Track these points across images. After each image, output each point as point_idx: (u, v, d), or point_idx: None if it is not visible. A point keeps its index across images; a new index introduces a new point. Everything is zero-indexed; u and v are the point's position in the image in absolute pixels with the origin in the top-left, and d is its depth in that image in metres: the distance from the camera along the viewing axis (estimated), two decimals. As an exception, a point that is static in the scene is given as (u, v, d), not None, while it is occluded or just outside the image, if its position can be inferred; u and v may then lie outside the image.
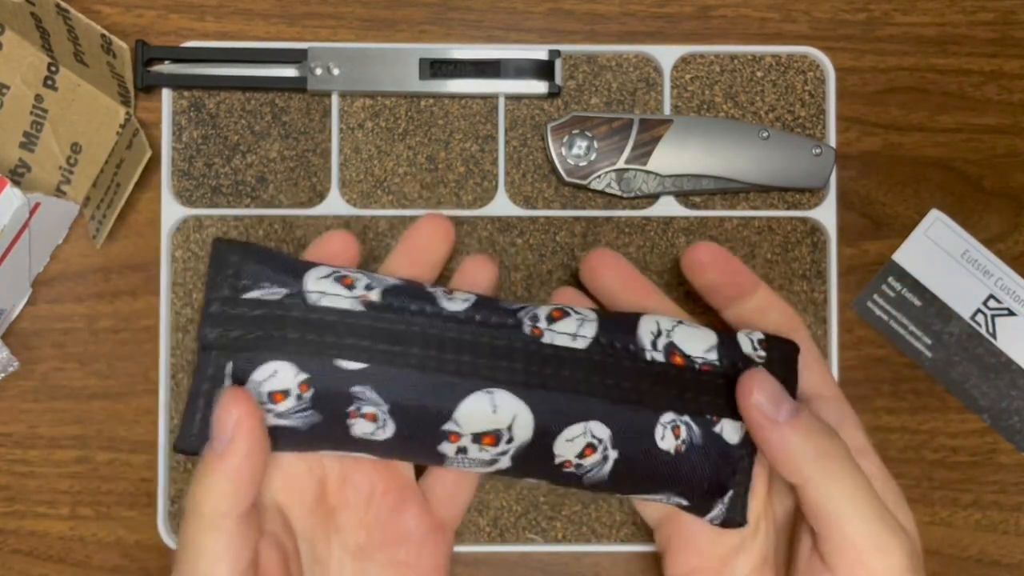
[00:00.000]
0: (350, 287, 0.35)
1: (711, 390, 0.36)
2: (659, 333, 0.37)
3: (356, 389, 0.34)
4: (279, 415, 0.35)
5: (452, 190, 0.47)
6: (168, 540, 0.46)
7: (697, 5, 0.48)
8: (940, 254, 0.48)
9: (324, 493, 0.38)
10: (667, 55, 0.47)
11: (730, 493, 0.37)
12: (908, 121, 0.48)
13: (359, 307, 0.35)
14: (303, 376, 0.34)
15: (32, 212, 0.43)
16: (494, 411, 0.35)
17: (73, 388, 0.47)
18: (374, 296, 0.35)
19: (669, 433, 0.35)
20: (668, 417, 0.35)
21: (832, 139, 0.48)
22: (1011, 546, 0.48)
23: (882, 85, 0.48)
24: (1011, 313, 0.48)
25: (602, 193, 0.47)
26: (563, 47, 0.47)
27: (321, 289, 0.35)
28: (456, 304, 0.36)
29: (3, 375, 0.46)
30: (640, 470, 0.36)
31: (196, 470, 0.33)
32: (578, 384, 0.35)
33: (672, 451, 0.36)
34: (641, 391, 0.35)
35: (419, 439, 0.35)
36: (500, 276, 0.47)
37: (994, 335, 0.48)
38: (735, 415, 0.36)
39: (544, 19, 0.48)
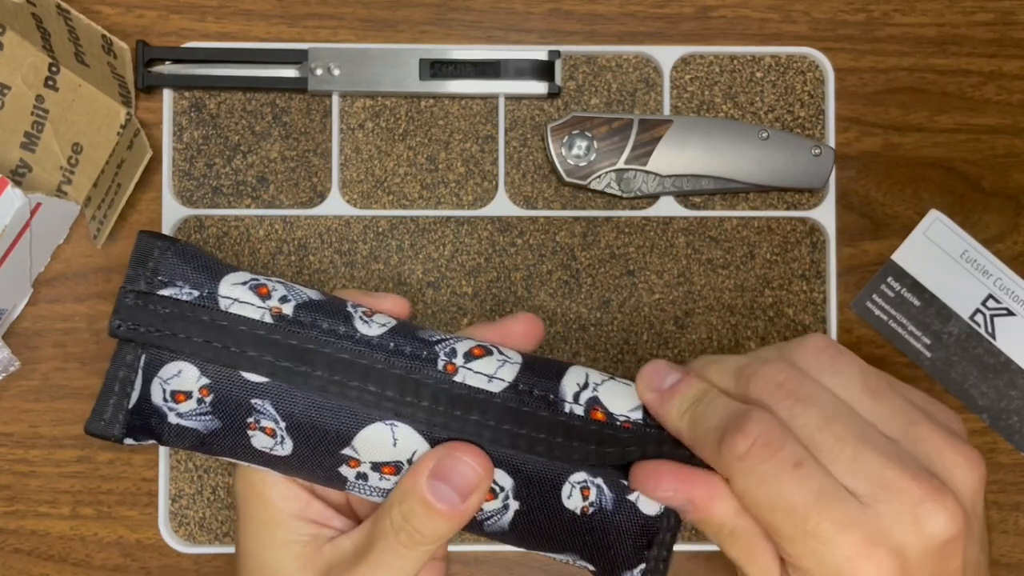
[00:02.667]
0: (264, 297, 0.35)
1: (631, 451, 0.33)
2: (585, 386, 0.34)
3: (255, 402, 0.34)
4: (180, 415, 0.34)
5: (452, 190, 0.47)
6: (168, 539, 0.46)
7: (697, 6, 0.48)
8: (939, 254, 0.48)
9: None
10: (667, 55, 0.48)
11: (642, 567, 0.34)
12: (907, 121, 0.48)
13: (268, 319, 0.34)
14: (205, 380, 0.34)
15: (33, 212, 0.43)
16: (394, 444, 0.33)
17: (74, 388, 0.47)
18: (287, 309, 0.34)
19: (577, 493, 0.33)
20: (579, 476, 0.33)
21: (831, 139, 0.48)
22: (1011, 546, 0.48)
23: (881, 85, 0.48)
24: (1010, 313, 0.48)
25: (602, 193, 0.47)
26: (563, 47, 0.47)
27: (235, 296, 0.34)
28: (372, 328, 0.35)
29: (4, 375, 0.46)
30: (541, 526, 0.34)
31: (426, 499, 0.33)
32: (483, 429, 0.33)
33: (578, 512, 0.34)
34: (552, 444, 0.33)
35: (318, 460, 0.34)
36: (500, 276, 0.47)
37: (993, 335, 0.48)
38: None
39: (544, 19, 0.48)
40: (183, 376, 0.34)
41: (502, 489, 0.34)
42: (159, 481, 0.46)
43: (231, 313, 0.34)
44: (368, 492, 0.35)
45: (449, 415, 0.33)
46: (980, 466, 0.30)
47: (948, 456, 0.30)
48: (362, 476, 0.34)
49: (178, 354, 0.34)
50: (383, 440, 0.33)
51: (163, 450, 0.46)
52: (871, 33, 0.48)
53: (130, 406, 0.34)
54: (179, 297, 0.35)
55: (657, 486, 0.32)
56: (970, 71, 0.49)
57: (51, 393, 0.47)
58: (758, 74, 0.48)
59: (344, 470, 0.34)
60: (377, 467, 0.34)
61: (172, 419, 0.34)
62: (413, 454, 0.33)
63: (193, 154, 0.47)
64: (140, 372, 0.34)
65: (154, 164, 0.46)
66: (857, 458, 0.29)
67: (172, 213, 0.47)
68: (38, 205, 0.43)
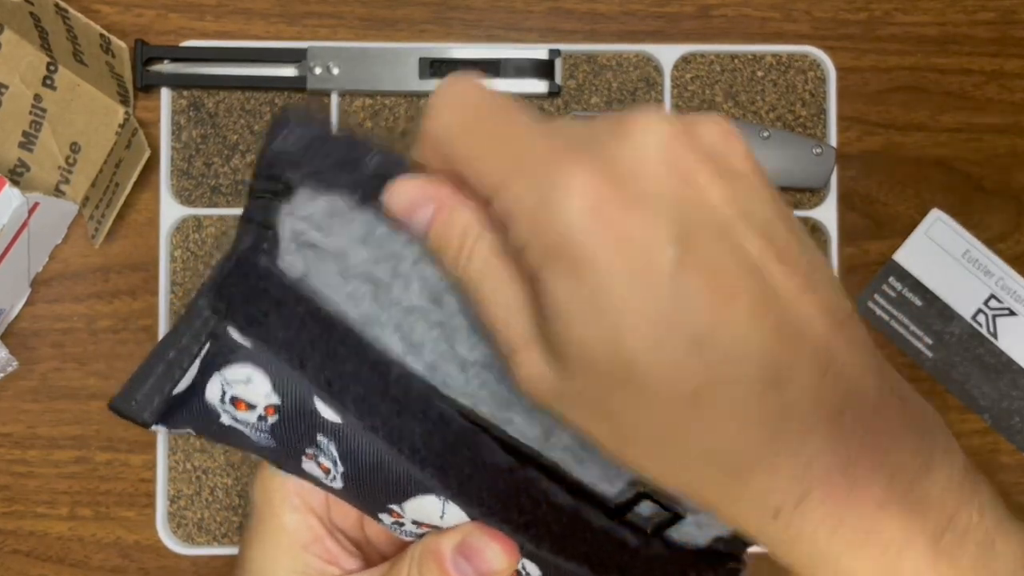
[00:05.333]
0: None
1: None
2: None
3: (321, 439, 0.30)
4: (235, 419, 0.30)
5: (452, 190, 0.47)
6: (167, 541, 0.46)
7: (697, 4, 0.48)
8: (941, 254, 0.48)
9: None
10: (667, 54, 0.47)
11: None
12: (909, 121, 0.48)
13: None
14: (275, 400, 0.30)
15: (31, 212, 0.43)
16: (440, 517, 0.31)
17: (72, 388, 0.47)
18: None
19: None
20: None
21: (833, 139, 0.47)
22: (1012, 547, 0.48)
23: (883, 85, 0.48)
24: (1012, 313, 0.48)
25: (602, 193, 0.47)
26: (563, 47, 0.47)
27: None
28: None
29: (2, 375, 0.46)
30: None
31: (445, 569, 0.31)
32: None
33: None
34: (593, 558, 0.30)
35: (362, 504, 0.32)
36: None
37: (995, 335, 0.48)
38: None
39: (544, 18, 0.48)
40: (252, 386, 0.30)
41: (527, 573, 0.32)
42: (157, 482, 0.46)
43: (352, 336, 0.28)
44: (399, 533, 0.33)
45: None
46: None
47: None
48: (399, 524, 0.32)
49: (254, 360, 0.29)
50: (432, 510, 0.31)
51: (162, 451, 0.46)
52: (872, 32, 0.48)
53: (174, 392, 0.30)
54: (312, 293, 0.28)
55: (394, 187, 0.27)
56: (972, 70, 0.48)
57: (49, 393, 0.47)
58: (759, 73, 0.48)
59: (383, 516, 0.32)
60: (417, 523, 0.32)
61: (225, 420, 0.30)
62: (455, 526, 0.31)
63: (192, 153, 0.47)
64: (198, 360, 0.30)
65: (152, 163, 0.46)
66: (560, 121, 0.25)
67: (170, 212, 0.46)
68: (36, 205, 0.43)
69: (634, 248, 0.22)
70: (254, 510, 0.34)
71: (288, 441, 0.31)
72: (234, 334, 0.30)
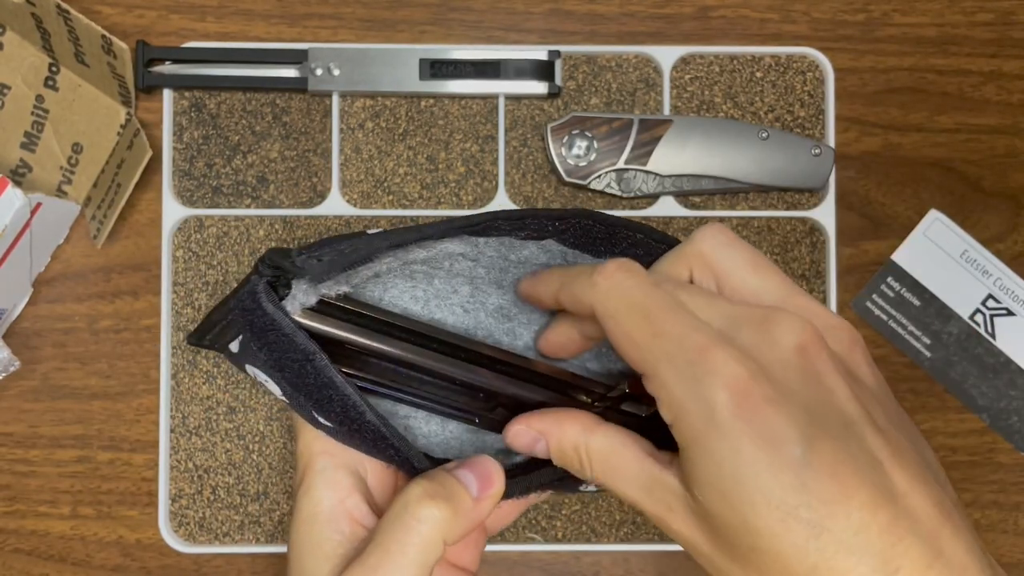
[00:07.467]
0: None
1: None
2: None
3: (323, 422, 0.33)
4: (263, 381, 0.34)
5: (452, 190, 0.47)
6: (168, 539, 0.46)
7: (697, 6, 0.48)
8: (939, 254, 0.48)
9: None
10: (667, 55, 0.48)
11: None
12: (907, 121, 0.48)
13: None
14: (284, 399, 0.33)
15: (33, 212, 0.43)
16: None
17: (74, 388, 0.47)
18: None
19: None
20: None
21: (831, 139, 0.48)
22: (1010, 545, 0.48)
23: (881, 85, 0.48)
24: (1010, 313, 0.48)
25: (602, 193, 0.47)
26: (563, 47, 0.47)
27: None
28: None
29: (4, 375, 0.46)
30: None
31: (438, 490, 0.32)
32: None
33: None
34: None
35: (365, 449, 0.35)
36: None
37: (993, 335, 0.48)
38: None
39: (544, 19, 0.48)
40: (268, 386, 0.33)
41: None
42: (159, 481, 0.46)
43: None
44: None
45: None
46: (847, 327, 0.30)
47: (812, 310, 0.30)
48: None
49: (268, 364, 0.32)
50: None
51: (163, 451, 0.46)
52: (871, 33, 0.49)
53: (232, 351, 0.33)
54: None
55: (509, 431, 0.33)
56: (970, 71, 0.49)
57: (51, 393, 0.47)
58: (758, 74, 0.48)
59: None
60: None
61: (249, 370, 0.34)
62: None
63: (193, 154, 0.47)
64: (237, 342, 0.33)
65: (154, 164, 0.46)
66: (712, 302, 0.29)
67: (172, 213, 0.47)
68: (38, 205, 0.43)
69: (769, 439, 0.26)
70: (298, 465, 0.35)
71: (298, 410, 0.34)
72: (254, 345, 0.32)
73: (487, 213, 0.33)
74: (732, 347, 0.27)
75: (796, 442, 0.26)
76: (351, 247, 0.32)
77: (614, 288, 0.30)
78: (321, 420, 0.33)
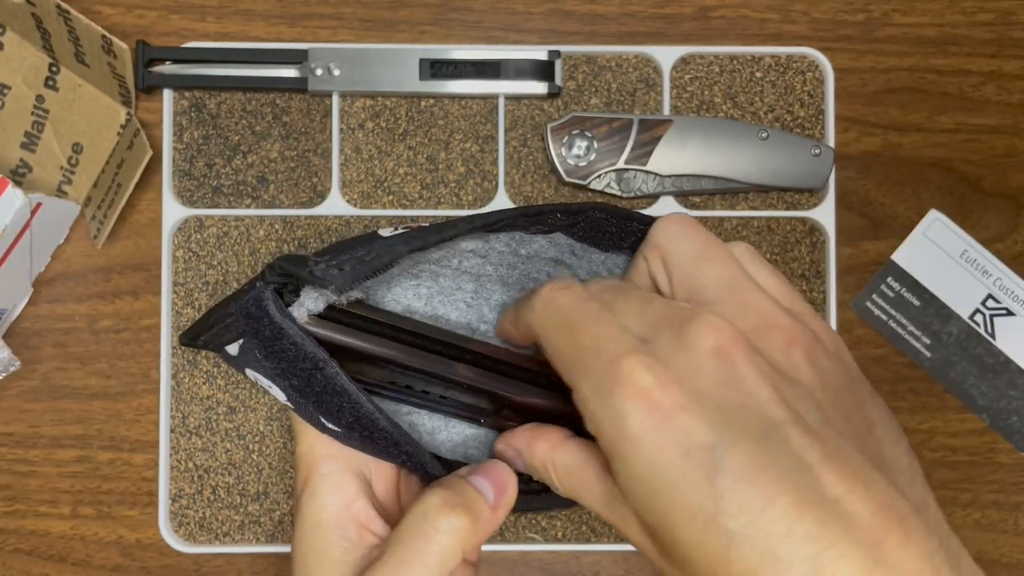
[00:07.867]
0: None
1: None
2: None
3: (330, 428, 0.33)
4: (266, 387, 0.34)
5: (452, 190, 0.47)
6: (169, 539, 0.46)
7: (697, 6, 0.48)
8: (939, 254, 0.48)
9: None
10: (667, 55, 0.48)
11: None
12: (907, 121, 0.48)
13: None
14: (289, 404, 0.33)
15: (33, 212, 0.43)
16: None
17: (74, 388, 0.47)
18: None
19: None
20: None
21: (831, 139, 0.48)
22: (1010, 545, 0.48)
23: (881, 85, 0.48)
24: (1010, 313, 0.48)
25: (602, 193, 0.47)
26: (563, 47, 0.47)
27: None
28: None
29: (4, 375, 0.46)
30: None
31: (452, 499, 0.32)
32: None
33: None
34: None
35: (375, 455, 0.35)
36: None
37: (993, 335, 0.48)
38: None
39: (544, 19, 0.48)
40: (271, 391, 0.33)
41: None
42: (159, 481, 0.46)
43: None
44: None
45: None
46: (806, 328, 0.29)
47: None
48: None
49: (271, 371, 0.32)
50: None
51: (163, 450, 0.46)
52: (871, 33, 0.49)
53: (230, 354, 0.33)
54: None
55: (495, 450, 0.34)
56: (970, 71, 0.49)
57: (51, 393, 0.47)
58: (758, 74, 0.48)
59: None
60: None
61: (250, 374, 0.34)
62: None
63: (193, 154, 0.47)
64: (238, 345, 0.33)
65: (154, 164, 0.46)
66: (644, 308, 0.28)
67: (172, 213, 0.47)
68: (38, 205, 0.43)
69: (682, 447, 0.25)
70: (300, 468, 0.35)
71: (305, 418, 0.34)
72: (259, 352, 0.32)
73: (508, 210, 0.33)
74: (644, 354, 0.26)
75: (710, 448, 0.25)
76: (370, 253, 0.31)
77: (548, 306, 0.30)
78: (329, 425, 0.33)
